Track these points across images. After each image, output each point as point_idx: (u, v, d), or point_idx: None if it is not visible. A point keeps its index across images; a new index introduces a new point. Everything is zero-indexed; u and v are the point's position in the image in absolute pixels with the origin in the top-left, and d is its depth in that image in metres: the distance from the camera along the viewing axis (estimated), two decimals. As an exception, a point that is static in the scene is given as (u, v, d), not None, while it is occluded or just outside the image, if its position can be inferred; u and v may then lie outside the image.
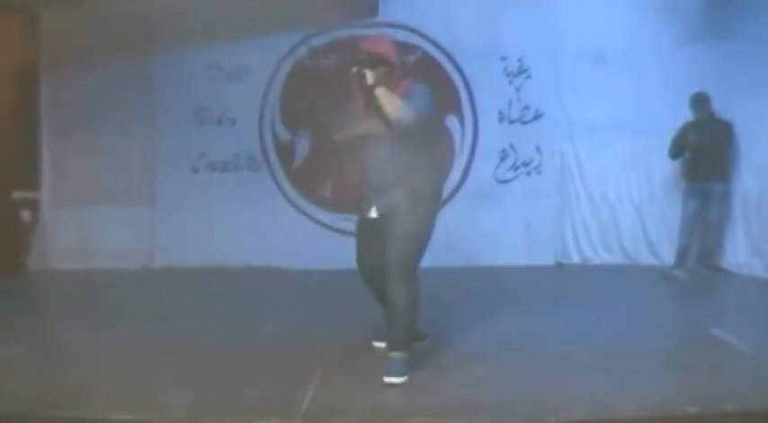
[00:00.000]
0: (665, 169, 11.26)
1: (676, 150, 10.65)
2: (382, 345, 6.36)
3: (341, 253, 10.70)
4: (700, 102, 10.44)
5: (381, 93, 5.82)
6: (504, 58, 11.43)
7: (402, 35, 11.37)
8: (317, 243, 11.45)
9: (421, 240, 6.13)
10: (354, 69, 5.95)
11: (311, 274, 10.80)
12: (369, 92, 5.89)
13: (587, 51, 11.49)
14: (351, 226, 10.77)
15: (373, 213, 6.26)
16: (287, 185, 11.89)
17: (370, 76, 5.87)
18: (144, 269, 11.65)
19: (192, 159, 11.90)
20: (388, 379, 5.83)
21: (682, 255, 10.54)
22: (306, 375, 5.86)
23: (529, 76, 11.63)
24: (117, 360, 6.41)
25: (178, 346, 6.86)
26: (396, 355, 5.98)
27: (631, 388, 5.40)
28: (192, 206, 11.53)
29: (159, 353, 6.64)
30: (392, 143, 6.03)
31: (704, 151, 10.41)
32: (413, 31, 11.52)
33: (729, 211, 10.80)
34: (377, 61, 5.96)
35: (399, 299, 6.03)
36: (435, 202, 6.35)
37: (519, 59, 11.55)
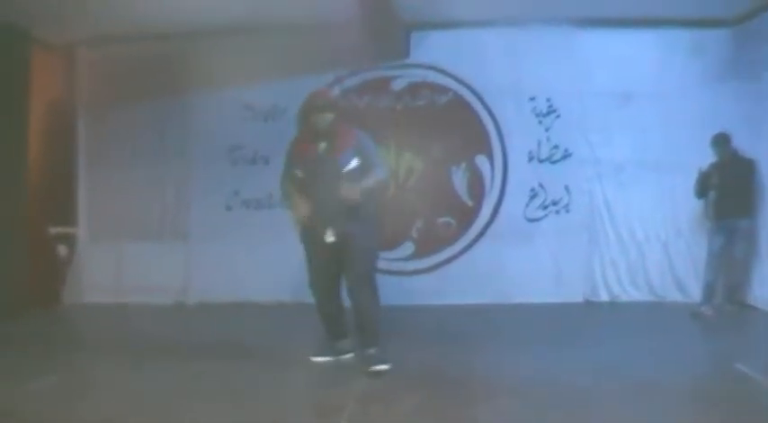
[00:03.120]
0: (691, 206, 11.33)
1: (701, 190, 10.78)
2: (321, 359, 7.66)
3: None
4: (721, 142, 10.61)
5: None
6: (532, 99, 11.54)
7: (433, 76, 11.56)
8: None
9: (376, 253, 7.55)
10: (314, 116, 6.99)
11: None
12: (326, 136, 7.10)
13: (615, 90, 11.64)
14: (382, 263, 11.07)
15: (330, 237, 7.12)
16: (317, 224, 11.91)
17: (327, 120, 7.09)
18: (178, 305, 11.77)
19: (226, 197, 12.04)
20: (375, 368, 7.07)
21: (709, 292, 10.63)
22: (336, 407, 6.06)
23: (558, 116, 11.74)
24: (149, 394, 6.59)
25: (210, 381, 7.06)
26: (373, 350, 7.29)
27: (658, 421, 5.60)
28: (225, 243, 11.73)
29: (191, 387, 6.84)
30: (341, 181, 7.01)
31: (728, 190, 10.55)
32: (443, 72, 11.66)
33: (756, 247, 10.86)
34: (329, 106, 7.06)
35: (369, 302, 7.28)
36: (377, 220, 7.48)
37: (548, 99, 11.66)
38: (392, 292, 10.80)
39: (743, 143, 10.77)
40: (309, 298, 10.91)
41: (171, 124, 12.03)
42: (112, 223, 12.04)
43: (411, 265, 11.65)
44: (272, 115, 12.01)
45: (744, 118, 11.01)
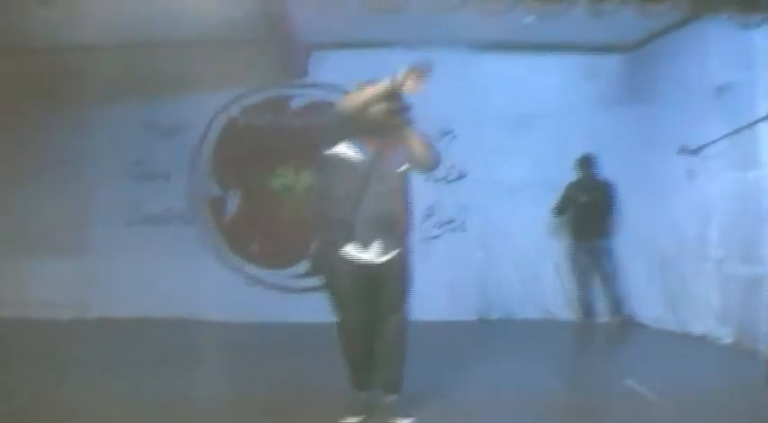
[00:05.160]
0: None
1: (561, 208, 11.38)
2: (356, 419, 6.22)
3: (269, 306, 11.11)
4: (585, 163, 11.23)
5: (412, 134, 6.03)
6: (429, 119, 11.65)
7: (332, 96, 11.67)
8: (245, 296, 11.70)
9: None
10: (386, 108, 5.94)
11: (240, 327, 10.92)
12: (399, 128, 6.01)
13: (511, 113, 11.90)
14: (278, 280, 11.16)
15: (373, 256, 6.01)
16: (217, 240, 12.06)
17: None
18: (78, 320, 11.62)
19: (126, 212, 12.00)
20: (403, 421, 6.09)
21: (585, 307, 11.28)
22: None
23: (454, 137, 11.92)
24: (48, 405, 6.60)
25: (103, 395, 6.98)
26: (395, 397, 6.20)
27: None
28: (126, 258, 11.63)
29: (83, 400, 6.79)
30: (400, 180, 6.16)
31: (589, 210, 11.17)
32: (341, 92, 11.76)
33: (620, 264, 11.40)
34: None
35: (405, 345, 6.16)
36: None
37: (444, 120, 11.81)
38: (291, 308, 11.04)
39: (634, 165, 11.21)
40: (208, 314, 11.13)
41: (71, 140, 11.89)
42: (13, 238, 11.91)
43: (308, 283, 11.71)
44: (173, 131, 12.05)
45: (637, 141, 11.36)
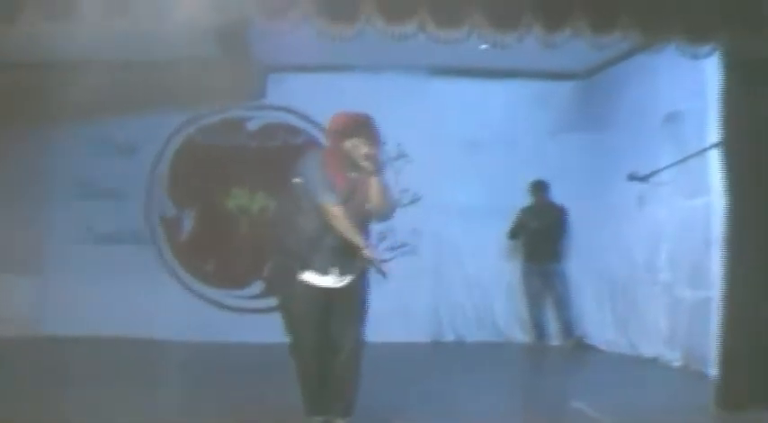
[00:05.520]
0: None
1: (514, 233, 11.65)
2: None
3: (222, 326, 11.14)
4: (537, 188, 11.50)
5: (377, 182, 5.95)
6: (383, 143, 11.69)
7: (288, 118, 11.79)
8: (199, 316, 11.74)
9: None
10: (365, 148, 5.87)
11: (193, 347, 10.89)
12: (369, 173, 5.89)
13: (465, 138, 12.10)
14: (231, 300, 11.20)
15: (330, 282, 5.98)
16: (171, 260, 12.12)
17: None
18: (29, 337, 11.39)
19: (80, 231, 11.97)
20: None
21: (538, 329, 11.55)
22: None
23: (408, 161, 12.06)
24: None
25: (49, 413, 6.85)
26: (348, 421, 6.12)
27: None
28: (78, 277, 11.53)
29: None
30: (363, 215, 6.06)
31: (541, 235, 11.43)
32: (298, 114, 11.90)
33: (571, 288, 11.73)
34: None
35: (359, 369, 6.08)
36: None
37: (399, 144, 11.92)
38: (245, 329, 11.08)
39: (587, 191, 11.43)
40: (160, 333, 11.13)
41: (24, 157, 11.80)
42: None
43: (262, 304, 11.76)
44: (129, 150, 12.09)
45: (589, 167, 11.55)
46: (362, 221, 6.07)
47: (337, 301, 6.00)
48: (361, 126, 6.01)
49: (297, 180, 6.03)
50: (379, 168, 5.92)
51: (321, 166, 6.02)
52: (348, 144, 5.93)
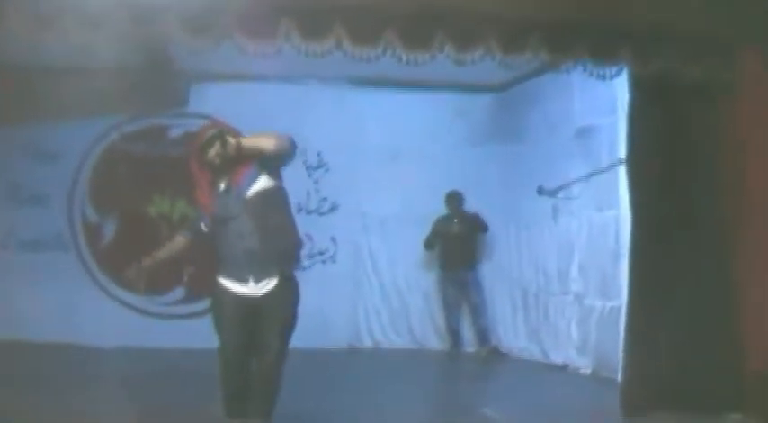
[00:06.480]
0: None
1: (430, 242, 11.90)
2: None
3: (143, 332, 11.18)
4: (452, 199, 11.77)
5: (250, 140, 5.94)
6: (303, 152, 11.71)
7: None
8: (121, 322, 11.65)
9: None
10: (213, 136, 5.90)
11: (114, 352, 10.91)
12: (235, 153, 5.84)
13: (384, 148, 12.28)
14: (153, 307, 11.26)
15: (250, 289, 5.99)
16: (93, 266, 12.10)
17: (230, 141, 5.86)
18: None
19: (2, 236, 11.88)
20: None
21: (454, 336, 11.78)
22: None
23: (327, 170, 12.28)
24: None
25: None
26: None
27: None
28: (0, 283, 11.35)
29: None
30: (258, 206, 5.98)
31: (456, 243, 11.68)
32: (219, 122, 11.91)
33: (486, 295, 11.99)
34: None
35: (279, 372, 6.08)
36: None
37: (318, 153, 12.17)
38: (166, 334, 11.15)
39: (502, 202, 11.74)
40: (82, 338, 11.10)
41: None
42: None
43: (182, 309, 11.87)
44: (53, 156, 12.02)
45: (504, 179, 11.88)
46: (263, 214, 5.98)
47: (261, 307, 6.02)
48: (206, 138, 6.03)
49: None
50: (238, 141, 5.90)
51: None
52: (211, 154, 5.94)
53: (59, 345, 11.09)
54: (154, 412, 7.41)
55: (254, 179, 5.99)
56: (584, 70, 7.26)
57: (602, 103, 9.40)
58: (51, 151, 12.06)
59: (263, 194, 6.02)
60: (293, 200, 9.40)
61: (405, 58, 6.99)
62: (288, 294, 6.12)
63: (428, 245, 12.01)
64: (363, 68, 11.00)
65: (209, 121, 6.47)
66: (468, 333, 12.06)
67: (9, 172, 11.92)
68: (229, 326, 6.06)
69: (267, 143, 5.95)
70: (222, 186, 6.04)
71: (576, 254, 10.35)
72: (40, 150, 12.04)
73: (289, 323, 6.13)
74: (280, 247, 6.07)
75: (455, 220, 11.85)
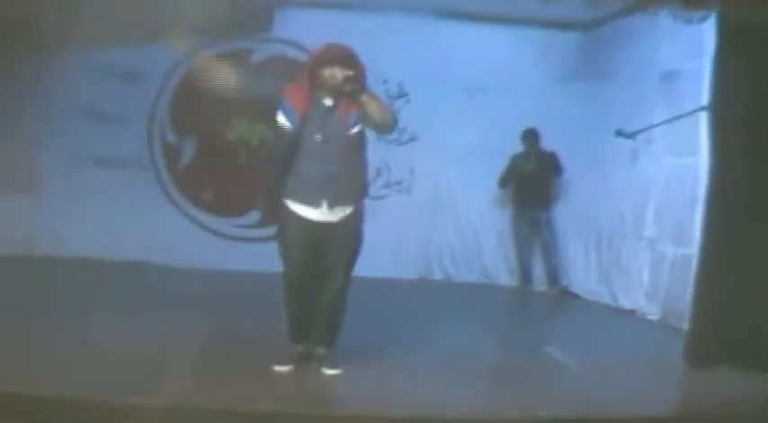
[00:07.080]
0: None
1: (505, 180, 11.82)
2: (284, 368, 6.27)
3: (218, 254, 11.30)
4: (529, 136, 11.68)
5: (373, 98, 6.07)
6: (385, 82, 11.71)
7: (292, 53, 11.87)
8: (196, 243, 11.94)
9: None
10: (343, 74, 6.01)
11: (188, 273, 11.10)
12: (352, 94, 5.97)
13: (466, 81, 12.12)
14: (228, 229, 11.37)
15: (321, 215, 6.06)
16: (171, 186, 12.26)
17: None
18: (24, 257, 11.47)
19: (79, 154, 12.03)
20: (330, 371, 6.25)
21: (524, 274, 11.77)
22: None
23: (408, 101, 12.21)
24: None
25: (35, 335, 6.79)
26: (326, 350, 6.33)
27: (461, 396, 5.97)
28: (76, 199, 11.61)
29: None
30: (352, 141, 6.15)
31: (531, 182, 11.62)
32: (302, 48, 11.92)
33: (559, 235, 11.93)
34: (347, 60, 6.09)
35: (345, 303, 6.26)
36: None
37: (399, 83, 12.14)
38: (240, 257, 11.27)
39: (581, 142, 11.57)
40: (156, 258, 11.25)
41: (25, 79, 11.74)
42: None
43: (256, 233, 11.96)
44: (132, 76, 12.10)
45: (585, 119, 11.73)
46: (347, 148, 6.14)
47: (330, 235, 6.10)
48: (337, 55, 6.15)
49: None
50: (362, 87, 6.03)
51: (284, 94, 6.17)
52: (326, 73, 6.07)
53: (132, 263, 11.31)
54: (221, 334, 7.55)
55: (357, 121, 6.11)
56: (671, 13, 7.08)
57: (689, 47, 9.20)
58: (131, 71, 12.14)
59: (358, 136, 6.16)
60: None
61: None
62: (359, 224, 6.26)
63: (502, 184, 11.94)
64: (449, 1, 11.09)
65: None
66: (539, 272, 12.02)
67: (86, 91, 12.11)
68: (296, 250, 6.14)
69: (377, 113, 6.08)
70: (327, 103, 6.12)
71: (652, 199, 10.20)
72: (118, 70, 12.12)
73: (356, 252, 6.24)
74: (358, 180, 6.24)
75: (531, 158, 11.73)
